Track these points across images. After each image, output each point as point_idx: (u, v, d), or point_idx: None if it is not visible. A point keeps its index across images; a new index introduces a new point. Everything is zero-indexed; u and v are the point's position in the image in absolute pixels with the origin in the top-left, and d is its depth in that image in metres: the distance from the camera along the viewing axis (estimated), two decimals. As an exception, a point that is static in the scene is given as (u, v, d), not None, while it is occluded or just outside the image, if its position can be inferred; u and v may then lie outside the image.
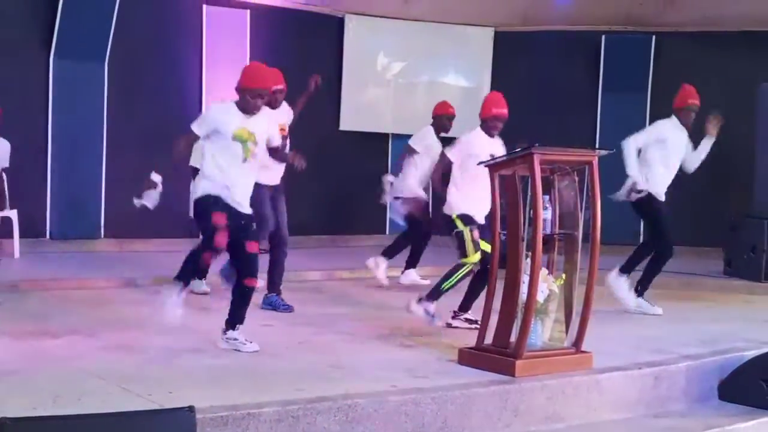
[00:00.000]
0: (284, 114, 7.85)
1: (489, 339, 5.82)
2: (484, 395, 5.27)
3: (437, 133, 9.50)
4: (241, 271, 6.12)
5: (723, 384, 6.21)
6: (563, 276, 5.87)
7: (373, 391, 5.07)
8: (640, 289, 8.15)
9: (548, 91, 13.17)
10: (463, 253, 6.98)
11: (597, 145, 12.22)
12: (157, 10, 11.44)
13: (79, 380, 5.14)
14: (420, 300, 7.00)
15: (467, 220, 6.96)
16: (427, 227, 9.43)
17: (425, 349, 6.30)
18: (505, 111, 7.25)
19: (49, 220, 10.89)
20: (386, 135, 13.49)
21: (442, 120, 9.56)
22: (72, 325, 6.70)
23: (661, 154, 8.10)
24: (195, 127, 6.14)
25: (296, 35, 12.36)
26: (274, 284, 7.68)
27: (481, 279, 6.91)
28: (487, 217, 6.79)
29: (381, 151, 13.45)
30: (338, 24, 12.97)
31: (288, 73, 12.64)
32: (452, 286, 7.00)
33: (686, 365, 6.12)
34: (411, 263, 9.59)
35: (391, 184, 9.60)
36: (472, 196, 6.95)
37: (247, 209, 6.10)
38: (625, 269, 8.16)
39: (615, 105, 12.91)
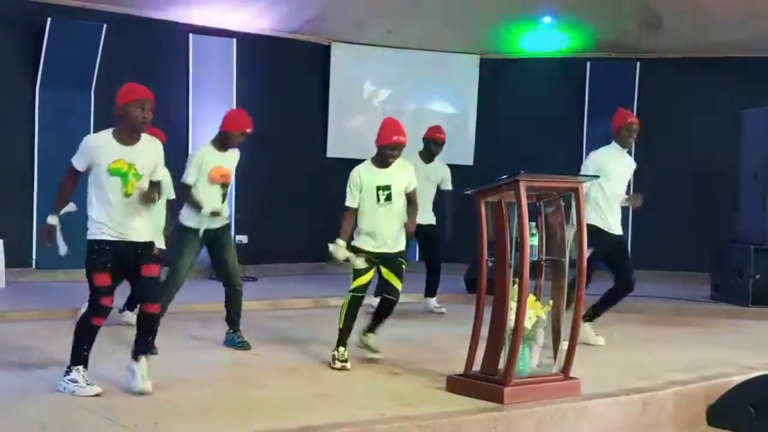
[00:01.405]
0: (235, 157, 7.51)
1: (477, 366, 5.81)
2: (472, 423, 5.25)
3: (427, 157, 9.48)
4: (140, 297, 5.78)
5: (711, 409, 6.21)
6: (551, 302, 5.87)
7: (360, 419, 5.05)
8: (590, 315, 7.80)
9: (534, 118, 13.23)
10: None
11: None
12: (144, 39, 11.46)
13: (66, 412, 5.11)
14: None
15: (355, 249, 6.78)
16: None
17: (412, 377, 6.29)
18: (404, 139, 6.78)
19: (35, 249, 10.84)
20: (373, 162, 13.49)
21: (431, 145, 9.58)
22: (58, 356, 6.64)
23: (603, 183, 7.63)
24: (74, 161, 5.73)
25: (283, 63, 12.41)
26: (232, 321, 7.47)
27: (384, 311, 6.84)
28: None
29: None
30: (324, 52, 13.02)
31: (274, 101, 12.75)
32: (345, 322, 6.65)
33: (674, 391, 6.12)
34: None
35: None
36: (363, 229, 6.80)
37: (141, 236, 5.63)
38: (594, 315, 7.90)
39: (600, 131, 12.89)
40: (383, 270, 6.75)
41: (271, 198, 11.96)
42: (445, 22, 12.72)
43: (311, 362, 6.77)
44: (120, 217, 5.58)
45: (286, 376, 6.21)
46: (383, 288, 6.84)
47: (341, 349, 6.58)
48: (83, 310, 6.64)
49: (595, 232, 7.55)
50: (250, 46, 12.26)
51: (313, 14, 12.32)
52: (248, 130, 7.29)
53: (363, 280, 6.68)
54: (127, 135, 5.69)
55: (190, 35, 11.90)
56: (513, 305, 5.60)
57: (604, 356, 7.26)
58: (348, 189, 6.83)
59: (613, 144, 7.92)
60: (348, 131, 13.26)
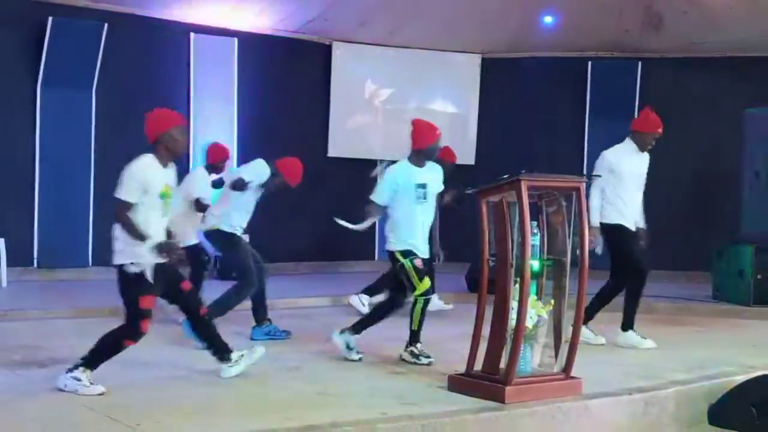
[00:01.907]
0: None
1: (479, 365, 5.81)
2: (473, 422, 5.26)
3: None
4: (190, 307, 5.95)
5: (712, 409, 6.21)
6: (552, 302, 5.88)
7: (363, 418, 5.06)
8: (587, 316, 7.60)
9: (535, 117, 13.24)
10: (412, 286, 6.81)
11: (584, 171, 12.29)
12: (145, 38, 11.47)
13: (68, 411, 5.12)
14: (407, 346, 6.87)
15: (407, 253, 6.85)
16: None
17: (414, 376, 6.29)
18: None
19: (37, 248, 10.86)
20: (374, 161, 13.49)
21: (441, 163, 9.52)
22: (60, 355, 6.66)
23: (617, 180, 7.69)
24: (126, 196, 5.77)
25: (284, 63, 12.42)
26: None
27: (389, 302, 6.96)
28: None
29: (369, 177, 13.45)
30: (326, 51, 13.02)
31: (275, 101, 12.77)
32: (419, 324, 6.80)
33: (675, 390, 6.12)
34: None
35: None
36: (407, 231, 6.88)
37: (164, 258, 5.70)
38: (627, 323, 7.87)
39: (602, 130, 12.94)
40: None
41: (271, 197, 11.96)
42: (446, 22, 12.72)
43: (314, 361, 6.78)
44: (161, 238, 5.70)
45: (289, 375, 6.21)
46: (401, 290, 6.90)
47: (419, 345, 6.78)
48: None
49: (615, 229, 7.65)
50: (252, 45, 12.27)
51: (315, 14, 12.32)
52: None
53: (427, 282, 6.78)
54: (168, 159, 5.83)
55: (192, 34, 11.90)
56: (514, 305, 5.60)
57: (605, 355, 7.26)
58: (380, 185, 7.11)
59: (629, 142, 7.89)
60: (349, 131, 13.26)
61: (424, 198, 6.90)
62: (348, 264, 13.08)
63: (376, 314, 7.01)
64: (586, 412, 5.66)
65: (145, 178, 5.70)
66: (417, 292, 6.75)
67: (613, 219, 7.72)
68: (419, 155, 7.02)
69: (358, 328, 6.91)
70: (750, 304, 10.00)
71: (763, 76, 12.14)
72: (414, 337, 6.83)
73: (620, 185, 7.70)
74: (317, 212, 12.50)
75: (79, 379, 5.57)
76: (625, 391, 5.97)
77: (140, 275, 5.58)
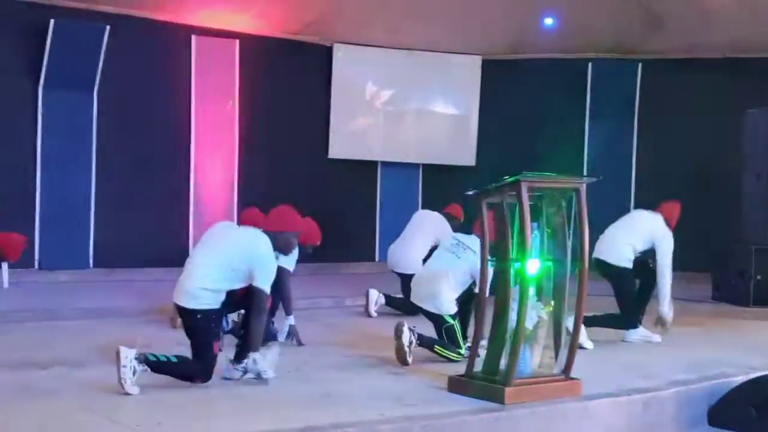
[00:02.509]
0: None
1: (478, 366, 5.82)
2: (473, 423, 5.26)
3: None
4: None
5: (712, 410, 6.21)
6: (552, 303, 5.88)
7: (363, 419, 5.06)
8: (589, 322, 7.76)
9: (536, 118, 13.25)
10: (456, 344, 6.96)
11: (585, 172, 12.31)
12: (147, 40, 11.49)
13: (68, 412, 5.12)
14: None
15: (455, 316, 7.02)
16: None
17: (414, 377, 6.30)
18: None
19: (38, 250, 10.87)
20: (375, 162, 13.54)
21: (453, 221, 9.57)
22: (60, 356, 6.68)
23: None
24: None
25: (285, 65, 12.43)
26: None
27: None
28: None
29: (370, 178, 13.50)
30: (327, 53, 13.03)
31: (276, 103, 12.77)
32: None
33: (675, 391, 6.13)
34: None
35: None
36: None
37: None
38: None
39: (602, 131, 13.00)
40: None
41: (272, 199, 11.82)
42: (446, 24, 12.74)
43: (314, 362, 6.79)
44: None
45: (290, 376, 6.22)
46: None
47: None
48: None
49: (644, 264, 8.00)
50: (253, 47, 12.28)
51: (315, 16, 12.34)
52: None
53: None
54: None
55: (193, 37, 11.92)
56: (514, 306, 5.61)
57: (605, 356, 7.26)
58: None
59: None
60: (350, 132, 13.27)
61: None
62: (348, 265, 13.09)
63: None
64: (585, 413, 5.67)
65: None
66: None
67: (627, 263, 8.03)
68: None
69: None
70: (750, 304, 10.02)
71: (764, 76, 12.15)
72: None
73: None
74: (318, 213, 12.49)
75: (135, 372, 5.58)
76: (625, 391, 5.97)
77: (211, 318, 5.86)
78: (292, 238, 6.37)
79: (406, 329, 6.69)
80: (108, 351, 6.92)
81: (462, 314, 7.09)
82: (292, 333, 7.53)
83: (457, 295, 7.06)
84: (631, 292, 8.08)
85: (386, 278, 10.14)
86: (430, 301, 7.11)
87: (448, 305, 7.03)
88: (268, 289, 5.90)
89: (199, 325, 5.83)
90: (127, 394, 5.47)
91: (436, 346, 6.90)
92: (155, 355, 5.69)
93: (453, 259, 7.13)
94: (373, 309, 9.36)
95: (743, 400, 6.09)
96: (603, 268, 7.97)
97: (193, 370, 5.79)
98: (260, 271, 5.86)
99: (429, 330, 7.07)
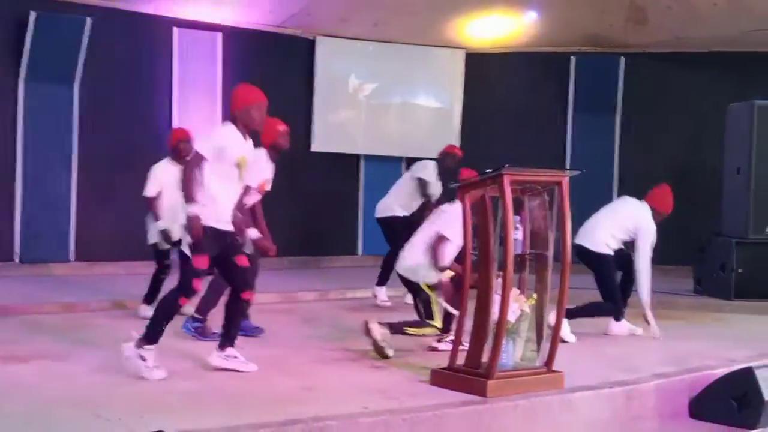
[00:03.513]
0: (270, 168, 7.58)
1: (461, 360, 5.82)
2: (455, 416, 5.27)
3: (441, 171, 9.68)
4: (236, 284, 6.09)
5: (694, 402, 6.25)
6: (534, 296, 5.90)
7: (345, 413, 5.06)
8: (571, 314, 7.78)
9: (519, 112, 13.26)
10: (429, 316, 7.05)
11: (567, 166, 12.33)
12: (128, 32, 11.41)
13: (49, 406, 5.10)
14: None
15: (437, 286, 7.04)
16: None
17: (396, 371, 6.30)
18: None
19: (18, 243, 10.80)
20: (358, 156, 13.52)
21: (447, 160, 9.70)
22: (42, 350, 6.65)
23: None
24: (202, 150, 5.90)
25: (268, 57, 12.38)
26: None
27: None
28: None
29: (353, 172, 13.47)
30: (309, 46, 12.99)
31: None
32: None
33: (657, 384, 6.16)
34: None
35: None
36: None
37: (230, 225, 6.00)
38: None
39: (585, 125, 13.02)
40: None
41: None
42: (430, 17, 12.71)
43: (295, 356, 6.78)
44: (224, 205, 5.93)
45: (270, 370, 6.21)
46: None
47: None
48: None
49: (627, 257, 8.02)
50: (235, 40, 12.22)
51: (298, 8, 12.29)
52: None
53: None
54: (245, 132, 6.03)
55: (175, 29, 11.84)
56: (497, 299, 5.62)
57: (587, 349, 7.29)
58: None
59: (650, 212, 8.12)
60: (333, 126, 13.24)
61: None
62: (330, 259, 13.08)
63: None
64: (568, 406, 5.69)
65: (222, 144, 5.87)
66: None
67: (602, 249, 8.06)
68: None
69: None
70: (731, 297, 10.07)
71: (746, 71, 12.19)
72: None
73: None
74: (300, 207, 12.49)
75: (144, 359, 5.75)
76: (607, 384, 6.00)
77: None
78: None
79: (374, 325, 6.70)
80: (89, 345, 6.91)
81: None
82: None
83: None
84: (611, 278, 8.07)
85: (367, 272, 10.14)
86: (410, 272, 7.25)
87: (425, 274, 7.10)
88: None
89: None
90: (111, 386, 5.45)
91: (405, 329, 6.92)
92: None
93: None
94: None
95: (725, 392, 6.12)
96: (582, 255, 7.97)
97: (175, 294, 5.91)
98: None
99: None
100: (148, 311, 8.14)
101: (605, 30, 12.85)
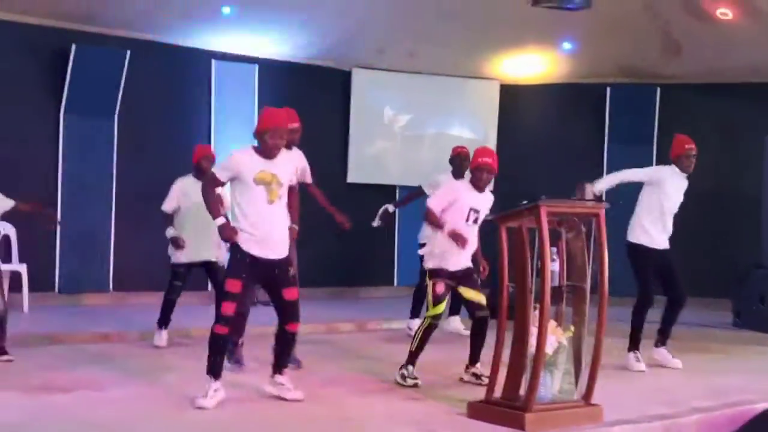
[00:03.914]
0: (300, 161, 7.67)
1: (498, 392, 5.80)
2: (493, 449, 5.24)
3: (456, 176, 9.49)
4: (281, 317, 6.16)
5: (734, 436, 6.17)
6: (572, 328, 5.87)
7: (383, 445, 5.05)
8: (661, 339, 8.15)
9: (554, 143, 13.24)
10: (427, 306, 6.96)
11: (604, 198, 12.27)
12: (167, 65, 11.57)
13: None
14: (400, 366, 6.91)
15: (434, 273, 6.90)
16: None
17: (433, 403, 6.28)
18: (489, 160, 6.95)
19: (58, 274, 10.92)
20: (393, 187, 13.55)
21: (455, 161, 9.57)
22: (81, 380, 6.70)
23: (656, 198, 8.06)
24: (217, 172, 6.10)
25: (304, 89, 12.48)
26: None
27: (476, 328, 6.93)
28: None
29: (388, 202, 13.47)
30: (345, 77, 13.09)
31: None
32: (419, 345, 6.85)
33: (697, 418, 6.08)
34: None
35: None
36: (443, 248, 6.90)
37: (281, 253, 6.03)
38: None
39: (621, 157, 12.93)
40: (463, 290, 6.87)
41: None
42: (464, 48, 12.77)
43: (331, 387, 6.78)
44: (260, 229, 5.96)
45: (307, 400, 6.21)
46: (470, 308, 6.92)
47: (411, 367, 6.80)
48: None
49: (632, 249, 7.93)
50: (272, 72, 12.35)
51: (334, 40, 12.40)
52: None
53: (442, 307, 6.84)
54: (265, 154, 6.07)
55: (213, 61, 12.00)
56: (534, 331, 5.60)
57: (625, 382, 7.23)
58: (437, 191, 7.09)
59: (673, 166, 8.18)
60: (368, 156, 13.30)
61: (475, 223, 6.93)
62: (367, 290, 13.09)
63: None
64: (606, 440, 5.63)
65: (230, 166, 6.02)
66: (428, 313, 6.84)
67: (635, 238, 8.01)
68: (472, 176, 7.03)
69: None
70: (772, 330, 9.93)
71: (783, 101, 12.11)
72: (410, 358, 6.85)
73: (665, 200, 8.03)
74: (337, 238, 12.51)
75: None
76: (646, 418, 5.93)
77: (232, 254, 5.96)
78: None
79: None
80: (127, 374, 6.95)
81: None
82: None
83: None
84: (642, 269, 7.98)
85: (404, 302, 10.12)
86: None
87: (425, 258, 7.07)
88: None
89: None
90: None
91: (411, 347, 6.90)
92: None
93: None
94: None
95: (766, 426, 6.04)
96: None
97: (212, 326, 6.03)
98: None
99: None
100: (160, 336, 8.28)
101: (640, 61, 12.83)
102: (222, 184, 6.14)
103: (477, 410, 5.80)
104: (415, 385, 6.71)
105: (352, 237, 12.82)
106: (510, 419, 5.55)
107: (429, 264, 6.95)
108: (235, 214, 6.04)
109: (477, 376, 6.92)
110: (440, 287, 6.81)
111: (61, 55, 10.66)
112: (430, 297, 6.83)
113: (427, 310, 6.87)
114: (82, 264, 10.98)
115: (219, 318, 5.91)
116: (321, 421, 5.66)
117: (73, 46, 10.60)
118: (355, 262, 12.94)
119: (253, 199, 5.93)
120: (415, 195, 9.71)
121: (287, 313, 6.13)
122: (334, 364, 7.75)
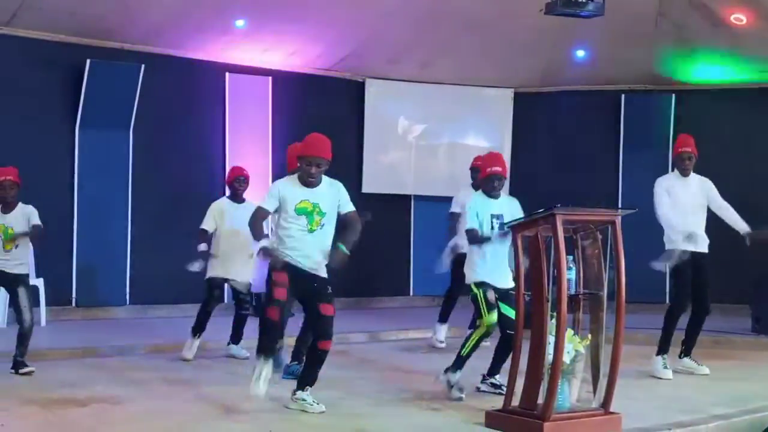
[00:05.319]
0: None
1: (516, 401, 5.78)
2: (512, 458, 5.21)
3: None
4: (315, 333, 6.22)
5: (754, 444, 6.13)
6: (589, 336, 5.84)
7: (400, 455, 5.03)
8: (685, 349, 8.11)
9: (569, 151, 13.21)
10: (479, 315, 6.91)
11: (620, 205, 12.22)
12: (181, 78, 11.62)
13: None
14: (446, 370, 6.89)
15: (481, 284, 6.87)
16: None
17: (451, 413, 6.26)
18: (499, 169, 7.00)
19: (75, 287, 10.96)
20: (408, 196, 13.55)
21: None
22: (98, 393, 6.71)
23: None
24: (264, 204, 6.21)
25: (317, 100, 12.51)
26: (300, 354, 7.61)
27: (504, 344, 6.87)
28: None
29: (403, 212, 13.50)
30: (359, 88, 13.11)
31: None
32: (470, 351, 6.83)
33: (716, 425, 6.04)
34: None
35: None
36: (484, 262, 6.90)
37: (321, 272, 6.19)
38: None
39: (637, 164, 12.91)
40: (501, 305, 6.82)
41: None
42: (477, 57, 12.77)
43: (350, 398, 6.76)
44: (301, 251, 6.15)
45: (325, 412, 6.20)
46: (502, 325, 6.83)
47: (458, 372, 6.78)
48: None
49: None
50: (286, 83, 12.38)
51: (347, 51, 12.42)
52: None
53: (495, 314, 6.79)
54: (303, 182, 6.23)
55: (227, 74, 12.04)
56: (551, 339, 5.57)
57: (644, 390, 7.19)
58: (469, 214, 6.99)
59: (674, 171, 8.22)
60: (383, 167, 13.31)
61: (500, 228, 6.85)
62: (382, 300, 13.08)
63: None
64: (625, 448, 5.60)
65: (275, 193, 6.17)
66: (486, 321, 6.79)
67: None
68: (486, 185, 7.01)
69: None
70: (791, 336, 9.87)
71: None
72: (458, 363, 6.81)
73: (674, 209, 7.97)
74: (352, 248, 12.50)
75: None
76: (665, 426, 5.89)
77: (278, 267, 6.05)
78: None
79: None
80: (144, 388, 6.96)
81: None
82: None
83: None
84: (675, 273, 7.97)
85: (419, 312, 10.11)
86: None
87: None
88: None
89: None
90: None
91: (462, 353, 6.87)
92: None
93: None
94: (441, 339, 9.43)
95: (786, 433, 6.00)
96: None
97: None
98: None
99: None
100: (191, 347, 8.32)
101: (655, 67, 12.80)
102: (269, 215, 6.26)
103: (495, 419, 5.78)
104: (460, 399, 6.64)
105: (366, 247, 12.82)
106: (528, 428, 5.53)
107: (475, 277, 6.91)
108: (277, 234, 6.20)
109: (495, 386, 6.90)
110: (491, 294, 6.80)
111: (77, 70, 10.72)
112: (483, 305, 6.80)
113: (481, 317, 6.82)
114: (99, 278, 11.02)
115: (271, 301, 6.03)
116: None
117: (88, 62, 10.66)
118: (369, 272, 12.92)
119: (294, 227, 6.09)
120: (454, 223, 9.59)
121: (321, 329, 6.15)
122: (351, 375, 7.73)
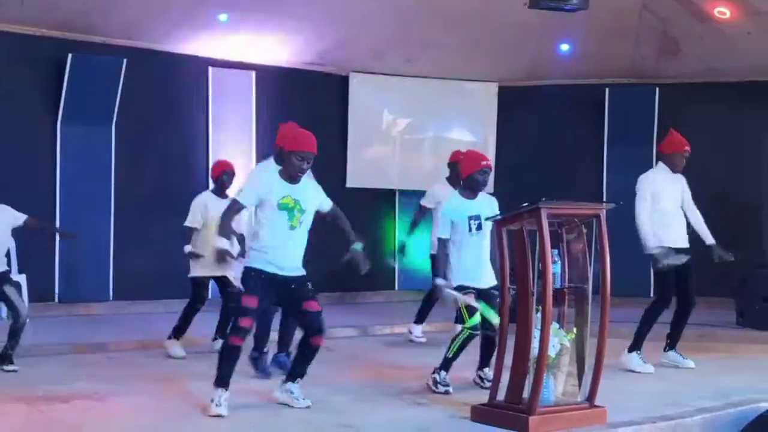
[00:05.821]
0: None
1: (501, 395, 5.77)
2: (497, 453, 5.21)
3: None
4: (305, 330, 6.17)
5: (739, 436, 6.14)
6: (575, 330, 5.84)
7: (386, 450, 5.02)
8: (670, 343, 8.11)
9: (553, 145, 13.22)
10: (461, 320, 6.91)
11: (604, 198, 12.25)
12: (164, 73, 11.56)
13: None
14: (434, 372, 6.86)
15: (458, 288, 6.81)
16: None
17: (437, 407, 6.25)
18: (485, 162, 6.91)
19: (58, 283, 10.89)
20: (393, 191, 13.53)
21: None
22: (82, 390, 6.67)
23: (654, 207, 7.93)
24: (240, 198, 6.13)
25: (301, 95, 12.47)
26: (285, 344, 7.63)
27: (486, 341, 6.87)
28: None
29: (388, 207, 13.48)
30: (343, 82, 13.07)
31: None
32: (456, 352, 6.78)
33: (701, 418, 6.06)
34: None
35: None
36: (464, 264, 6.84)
37: (297, 271, 6.10)
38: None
39: (621, 157, 12.93)
40: (483, 305, 6.76)
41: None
42: (461, 51, 12.75)
43: (335, 393, 6.75)
44: (278, 250, 6.04)
45: (311, 407, 6.17)
46: (483, 325, 6.78)
47: (444, 373, 6.74)
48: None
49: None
50: (269, 78, 12.33)
51: (331, 45, 12.39)
52: None
53: (477, 317, 6.73)
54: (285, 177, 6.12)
55: (210, 68, 11.98)
56: (536, 333, 5.57)
57: (629, 383, 7.20)
58: (442, 220, 6.93)
59: (661, 166, 8.14)
60: (367, 161, 13.28)
61: (479, 229, 6.79)
62: (366, 294, 13.06)
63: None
64: (611, 442, 5.61)
65: (261, 188, 6.06)
66: (466, 325, 6.75)
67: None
68: (465, 184, 6.95)
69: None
70: (775, 329, 9.90)
71: (782, 100, 12.08)
72: (444, 365, 6.78)
73: (658, 207, 7.91)
74: (336, 242, 12.47)
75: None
76: (650, 419, 5.90)
77: (246, 274, 5.98)
78: None
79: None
80: (127, 384, 6.93)
81: None
82: None
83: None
84: (658, 272, 7.96)
85: (405, 307, 10.11)
86: None
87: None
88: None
89: None
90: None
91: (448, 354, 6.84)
92: None
93: None
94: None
95: (771, 426, 6.01)
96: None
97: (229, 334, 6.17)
98: None
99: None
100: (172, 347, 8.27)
101: (639, 61, 12.82)
102: (243, 209, 6.18)
103: (480, 414, 5.78)
104: (447, 392, 6.63)
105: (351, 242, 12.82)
106: (513, 422, 5.53)
107: (453, 281, 6.86)
108: (255, 230, 6.10)
109: (481, 379, 6.90)
110: (470, 299, 6.75)
111: (58, 64, 10.64)
112: (464, 311, 6.76)
113: (463, 322, 6.79)
114: (82, 273, 10.95)
115: (236, 330, 5.94)
116: (323, 428, 5.63)
117: (70, 55, 10.58)
118: (355, 268, 12.89)
119: (274, 223, 6.00)
120: (420, 215, 9.57)
121: (313, 324, 6.11)
122: (336, 370, 7.71)
